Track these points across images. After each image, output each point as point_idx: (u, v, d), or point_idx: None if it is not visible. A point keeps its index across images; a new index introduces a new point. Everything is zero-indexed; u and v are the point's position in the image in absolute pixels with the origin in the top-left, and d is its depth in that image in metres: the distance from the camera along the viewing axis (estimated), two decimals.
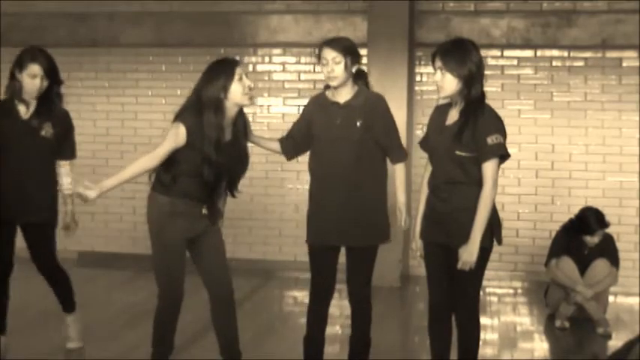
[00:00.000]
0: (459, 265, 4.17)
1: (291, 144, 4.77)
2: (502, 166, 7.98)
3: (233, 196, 4.68)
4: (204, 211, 4.50)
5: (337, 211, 4.55)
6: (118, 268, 8.15)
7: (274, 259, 8.18)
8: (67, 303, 5.57)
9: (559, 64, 7.91)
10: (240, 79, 4.36)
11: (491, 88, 7.94)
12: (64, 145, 5.32)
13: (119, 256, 8.50)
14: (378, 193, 4.60)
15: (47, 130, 5.19)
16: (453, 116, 4.25)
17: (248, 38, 8.32)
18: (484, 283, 7.66)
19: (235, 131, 4.48)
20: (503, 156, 4.22)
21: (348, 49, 4.49)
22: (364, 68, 4.68)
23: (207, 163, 4.33)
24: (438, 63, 4.20)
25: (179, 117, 4.38)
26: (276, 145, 4.83)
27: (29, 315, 6.33)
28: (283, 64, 8.34)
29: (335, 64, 4.45)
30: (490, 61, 7.99)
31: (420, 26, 7.93)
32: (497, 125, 4.19)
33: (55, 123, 5.23)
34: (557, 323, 6.33)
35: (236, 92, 4.34)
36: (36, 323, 6.17)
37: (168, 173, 4.40)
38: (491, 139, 4.11)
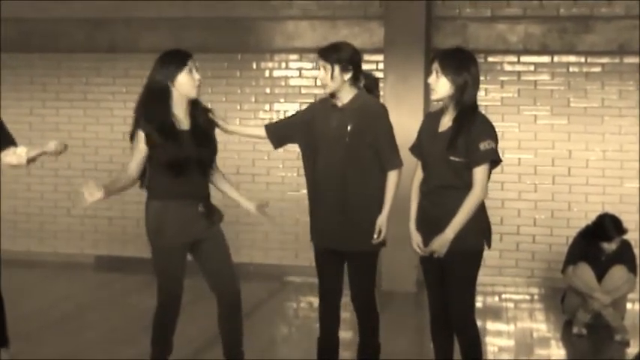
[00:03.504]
0: (427, 249, 4.27)
1: (279, 132, 4.80)
2: (518, 172, 8.00)
3: (206, 176, 4.65)
4: (201, 208, 4.54)
5: (329, 214, 4.57)
6: (134, 272, 8.18)
7: (290, 264, 8.19)
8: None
9: (576, 69, 7.88)
10: (190, 71, 4.48)
11: (507, 94, 7.98)
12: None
13: (136, 260, 8.52)
14: (370, 200, 4.56)
15: None
16: (446, 123, 4.31)
17: (264, 44, 8.34)
18: (501, 289, 7.82)
19: (194, 120, 4.55)
20: (495, 162, 4.28)
21: (338, 59, 4.51)
22: (376, 75, 4.68)
23: (169, 152, 4.39)
24: (436, 65, 4.28)
25: (135, 117, 4.51)
26: (260, 131, 4.88)
27: (45, 320, 6.36)
28: (300, 69, 8.36)
29: (324, 72, 4.54)
30: (506, 67, 7.99)
31: (437, 32, 7.93)
32: (490, 132, 4.26)
33: None
34: (575, 330, 6.30)
35: (185, 83, 4.46)
36: (51, 328, 6.18)
37: (150, 178, 4.51)
38: (484, 145, 4.18)
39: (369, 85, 4.72)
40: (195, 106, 4.59)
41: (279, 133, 4.81)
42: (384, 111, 4.65)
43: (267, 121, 8.33)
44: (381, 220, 4.55)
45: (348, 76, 4.54)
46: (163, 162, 4.43)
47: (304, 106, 8.06)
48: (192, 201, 4.53)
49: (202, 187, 4.61)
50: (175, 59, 4.50)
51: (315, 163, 4.65)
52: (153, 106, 4.45)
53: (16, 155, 4.80)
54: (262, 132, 4.86)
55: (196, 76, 4.51)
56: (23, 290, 7.41)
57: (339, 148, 4.51)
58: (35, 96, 8.90)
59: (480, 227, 4.29)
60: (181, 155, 4.42)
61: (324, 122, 4.60)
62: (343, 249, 4.61)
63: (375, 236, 4.55)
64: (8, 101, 8.77)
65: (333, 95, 4.62)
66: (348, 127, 4.50)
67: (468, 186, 4.21)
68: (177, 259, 4.55)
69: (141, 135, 4.45)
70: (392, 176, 4.58)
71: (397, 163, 4.59)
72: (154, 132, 4.41)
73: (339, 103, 4.60)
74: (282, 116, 8.21)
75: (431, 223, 4.31)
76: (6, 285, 7.47)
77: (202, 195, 4.60)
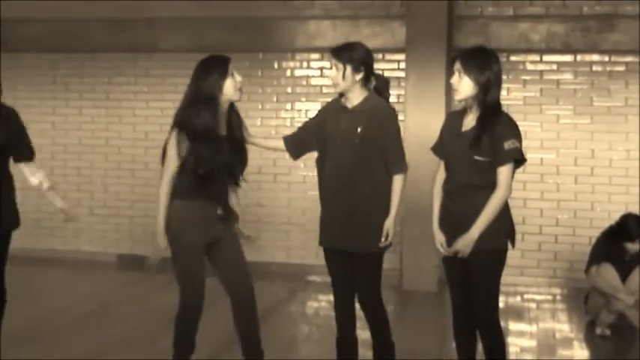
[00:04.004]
0: (451, 248, 4.26)
1: (295, 142, 4.81)
2: (541, 171, 7.95)
3: (238, 185, 4.76)
4: (219, 211, 4.57)
5: (337, 215, 4.57)
6: (156, 270, 8.22)
7: (312, 264, 8.19)
8: None
9: (599, 68, 7.83)
10: (232, 75, 4.51)
11: (529, 93, 7.94)
12: (18, 146, 4.85)
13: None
14: (378, 201, 4.54)
15: None
16: (469, 122, 4.30)
17: (286, 43, 8.36)
18: (523, 289, 7.78)
19: (230, 125, 4.60)
20: (519, 161, 4.26)
21: (350, 59, 4.50)
22: (387, 76, 4.67)
23: (208, 159, 4.42)
24: (458, 66, 4.26)
25: (175, 121, 4.50)
26: (279, 144, 4.89)
27: (67, 318, 6.40)
28: (321, 69, 8.36)
29: (336, 71, 4.53)
30: (529, 66, 7.95)
31: (459, 31, 7.91)
32: (514, 131, 4.24)
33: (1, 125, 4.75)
34: (598, 331, 6.26)
35: (229, 88, 4.49)
36: (74, 326, 6.22)
37: (178, 177, 4.51)
38: (508, 144, 4.17)
39: (379, 86, 4.69)
40: (232, 111, 4.62)
41: (295, 144, 4.82)
42: (393, 114, 4.62)
43: (288, 120, 8.46)
44: (389, 223, 4.54)
45: (359, 76, 4.52)
46: (198, 165, 4.43)
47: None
48: (212, 203, 4.57)
49: (225, 192, 4.67)
50: (218, 66, 4.52)
51: (324, 164, 4.65)
52: (199, 111, 4.44)
53: (37, 179, 4.93)
54: (281, 144, 4.88)
55: (238, 78, 4.55)
56: (46, 288, 7.47)
57: (348, 150, 4.50)
58: (58, 95, 8.96)
59: (504, 227, 4.28)
60: (217, 161, 4.46)
61: (334, 123, 4.59)
62: (351, 250, 4.59)
63: (383, 239, 4.54)
64: (32, 101, 8.86)
65: (342, 95, 4.61)
66: (358, 129, 4.49)
67: (491, 185, 4.19)
68: (197, 258, 4.58)
69: (180, 134, 4.44)
70: (398, 180, 4.56)
71: (403, 167, 4.59)
72: (197, 136, 4.42)
73: (349, 105, 4.58)
74: (303, 115, 8.26)
75: (454, 222, 4.30)
76: (29, 283, 7.56)
77: (223, 199, 4.65)
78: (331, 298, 4.81)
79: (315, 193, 8.38)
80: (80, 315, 6.48)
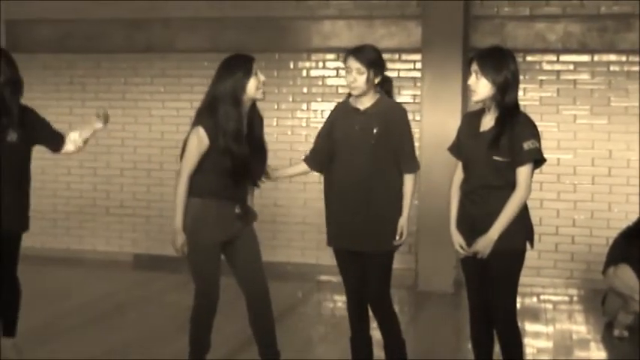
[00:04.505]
0: (470, 249, 4.26)
1: (317, 159, 4.80)
2: (557, 172, 7.91)
3: (257, 186, 4.78)
4: (237, 210, 4.57)
5: (349, 216, 4.57)
6: (172, 271, 8.23)
7: (327, 264, 8.17)
8: (11, 325, 5.09)
9: (617, 68, 7.78)
10: (256, 74, 4.51)
11: (546, 93, 7.90)
12: (48, 137, 5.07)
13: (174, 259, 8.56)
14: (391, 201, 4.57)
15: (11, 135, 4.85)
16: (487, 123, 4.29)
17: (301, 43, 8.36)
18: (539, 290, 7.75)
19: (251, 124, 4.59)
20: (539, 161, 4.25)
21: (373, 62, 4.51)
22: (389, 75, 4.68)
23: (231, 156, 4.43)
24: (475, 67, 4.25)
25: (196, 120, 4.50)
26: (302, 167, 4.90)
27: (84, 317, 6.43)
28: (337, 69, 8.35)
29: (358, 75, 4.50)
30: (545, 66, 7.92)
31: (475, 31, 7.88)
32: (533, 131, 4.24)
33: (18, 124, 4.86)
34: (616, 332, 6.22)
35: (252, 87, 4.49)
36: (90, 326, 6.25)
37: (196, 175, 4.50)
38: (528, 145, 4.16)
39: (388, 88, 4.69)
40: (254, 110, 4.63)
41: (317, 161, 4.79)
42: (405, 114, 4.64)
43: (303, 121, 8.46)
44: (403, 222, 4.56)
45: (378, 79, 4.55)
46: (221, 164, 4.44)
47: None
48: (231, 202, 4.57)
49: (244, 191, 4.67)
50: (241, 65, 4.52)
51: (334, 165, 4.64)
52: (227, 111, 4.44)
53: (72, 142, 5.16)
54: (305, 167, 4.88)
55: (261, 77, 4.55)
56: (62, 288, 7.50)
57: (364, 151, 4.51)
58: (75, 96, 9.00)
59: (523, 227, 4.26)
60: (242, 159, 4.46)
61: (346, 126, 4.59)
62: (364, 249, 4.59)
63: (397, 238, 4.55)
64: (49, 101, 8.90)
65: (350, 96, 4.62)
66: (374, 130, 4.49)
67: (510, 186, 4.18)
68: (214, 257, 4.59)
69: (202, 132, 4.44)
70: (410, 179, 4.59)
71: (415, 167, 4.63)
72: (227, 135, 4.42)
73: (361, 106, 4.58)
74: (319, 116, 8.27)
75: (472, 223, 4.30)
76: (46, 282, 7.60)
77: (242, 198, 4.65)
78: (345, 297, 4.81)
79: None
80: (96, 314, 6.50)
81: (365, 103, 4.57)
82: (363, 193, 4.52)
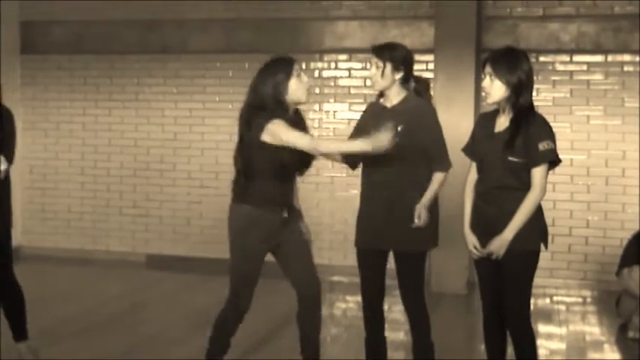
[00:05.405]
0: (484, 250, 4.26)
1: (352, 157, 4.78)
2: (571, 173, 7.87)
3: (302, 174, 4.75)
4: (285, 214, 4.58)
5: (382, 215, 4.58)
6: (185, 271, 8.26)
7: (340, 264, 8.19)
8: (20, 329, 5.09)
9: (631, 69, 7.75)
10: (299, 75, 4.49)
11: (559, 93, 7.87)
12: (3, 148, 4.81)
13: (186, 259, 8.62)
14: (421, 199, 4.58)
15: None
16: (502, 123, 4.29)
17: (314, 44, 8.36)
18: (552, 291, 7.72)
19: (296, 128, 4.54)
20: (554, 162, 4.25)
21: (391, 57, 4.53)
22: (426, 77, 4.68)
23: (280, 162, 4.42)
24: (488, 69, 4.24)
25: (263, 117, 4.40)
26: (339, 157, 4.89)
27: (97, 318, 6.45)
28: (349, 69, 8.35)
29: (376, 69, 4.56)
30: (558, 67, 7.89)
31: (487, 32, 7.87)
32: (549, 132, 4.24)
33: None
34: (630, 334, 6.19)
35: (296, 89, 4.48)
36: (103, 326, 6.27)
37: (244, 179, 4.50)
38: (543, 145, 4.16)
39: (418, 88, 4.70)
40: (297, 113, 4.63)
41: (351, 158, 4.78)
42: (434, 113, 4.65)
43: (316, 122, 8.44)
44: (421, 204, 4.53)
45: (399, 75, 4.56)
46: (268, 168, 4.43)
47: (353, 106, 8.19)
48: (279, 207, 4.57)
49: (292, 195, 4.68)
50: (282, 67, 4.49)
51: (366, 163, 4.66)
52: (270, 111, 4.41)
53: None
54: (340, 158, 4.85)
55: (304, 79, 4.53)
56: (76, 288, 7.53)
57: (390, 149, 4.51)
58: (89, 97, 9.03)
59: (537, 228, 4.26)
60: (294, 161, 4.46)
61: (376, 123, 4.58)
62: (394, 249, 4.61)
63: (416, 220, 4.53)
64: (63, 102, 8.95)
65: (381, 95, 4.64)
66: (399, 128, 4.50)
67: (525, 186, 4.18)
68: (258, 265, 4.57)
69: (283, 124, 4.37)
70: (439, 175, 4.61)
71: (446, 166, 4.63)
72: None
73: (389, 104, 4.62)
74: (331, 117, 8.27)
75: (486, 223, 4.29)
76: (59, 282, 7.64)
77: (289, 202, 4.66)
78: (359, 299, 4.81)
79: (343, 193, 8.43)
80: (109, 315, 6.52)
81: (392, 101, 4.61)
82: (394, 192, 4.54)
